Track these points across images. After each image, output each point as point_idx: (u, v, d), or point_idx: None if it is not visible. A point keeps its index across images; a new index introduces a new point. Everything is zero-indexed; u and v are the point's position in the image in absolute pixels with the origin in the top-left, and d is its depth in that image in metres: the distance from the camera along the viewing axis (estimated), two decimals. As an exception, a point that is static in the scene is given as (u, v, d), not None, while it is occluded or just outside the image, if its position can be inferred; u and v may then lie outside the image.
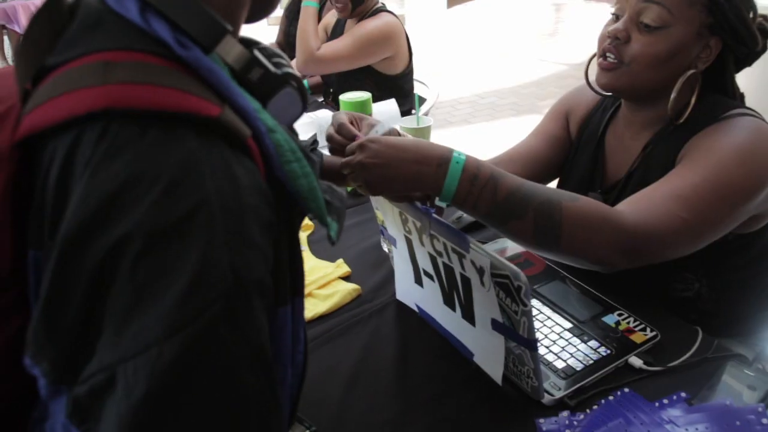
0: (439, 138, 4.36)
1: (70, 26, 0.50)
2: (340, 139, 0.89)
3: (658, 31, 0.97)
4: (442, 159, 0.83)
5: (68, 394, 0.44)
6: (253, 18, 0.63)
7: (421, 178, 0.82)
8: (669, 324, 1.00)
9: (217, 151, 0.46)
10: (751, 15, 0.98)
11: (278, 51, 0.60)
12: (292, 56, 2.76)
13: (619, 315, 1.02)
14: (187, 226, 0.43)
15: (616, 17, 1.03)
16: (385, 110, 1.80)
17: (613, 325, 0.99)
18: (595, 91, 1.11)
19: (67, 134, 0.45)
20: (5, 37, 6.97)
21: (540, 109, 1.25)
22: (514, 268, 0.72)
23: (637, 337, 0.96)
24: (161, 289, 0.42)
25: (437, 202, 0.85)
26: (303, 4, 2.20)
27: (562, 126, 1.26)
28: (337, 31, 2.39)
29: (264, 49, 0.58)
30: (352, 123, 0.93)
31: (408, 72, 2.34)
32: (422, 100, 2.47)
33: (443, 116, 4.73)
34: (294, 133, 0.60)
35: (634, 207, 0.91)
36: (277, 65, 0.57)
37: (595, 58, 1.07)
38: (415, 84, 2.56)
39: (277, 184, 0.52)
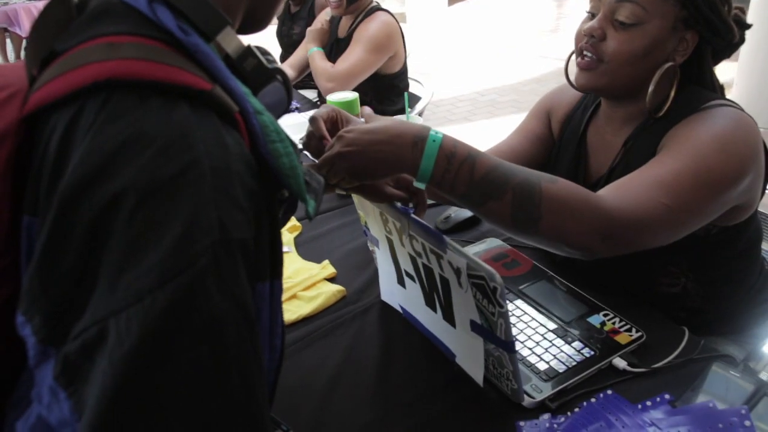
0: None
1: (80, 16, 0.54)
2: (315, 142, 0.88)
3: (633, 28, 0.96)
4: (417, 137, 0.81)
5: (56, 356, 0.45)
6: (242, 31, 0.67)
7: (398, 158, 0.81)
8: (655, 324, 0.99)
9: (209, 120, 0.50)
10: (726, 7, 0.98)
11: (269, 51, 0.65)
12: (286, 58, 2.77)
13: (605, 315, 1.01)
14: (178, 183, 0.46)
15: (591, 15, 1.02)
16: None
17: (598, 326, 0.98)
18: (576, 89, 1.11)
19: (71, 106, 0.48)
20: (7, 40, 7.01)
21: None
22: (489, 269, 0.70)
23: (622, 338, 0.95)
24: (153, 242, 0.44)
25: (415, 183, 0.83)
26: (309, 53, 2.22)
27: (545, 124, 1.25)
28: (331, 29, 2.38)
29: (258, 47, 0.62)
30: (336, 122, 0.92)
31: (403, 71, 2.34)
32: (416, 99, 2.46)
33: (443, 114, 4.71)
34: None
35: (615, 192, 0.89)
36: (268, 61, 0.62)
37: (573, 57, 1.06)
38: (410, 82, 2.55)
39: (261, 162, 0.55)
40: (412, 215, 0.84)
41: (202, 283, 0.44)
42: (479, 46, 6.91)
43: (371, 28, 2.18)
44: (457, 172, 0.81)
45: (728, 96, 1.05)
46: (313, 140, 0.89)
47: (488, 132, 4.32)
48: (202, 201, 0.46)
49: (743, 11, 1.03)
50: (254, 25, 0.68)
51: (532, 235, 0.85)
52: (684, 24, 0.97)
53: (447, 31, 7.70)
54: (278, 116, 0.65)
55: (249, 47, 0.60)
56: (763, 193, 1.05)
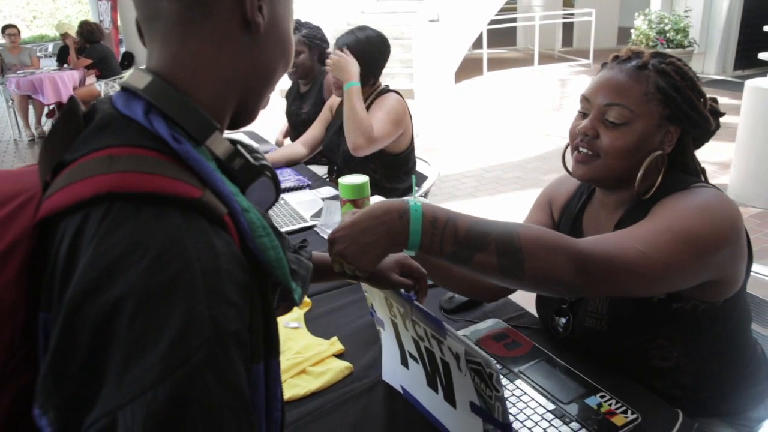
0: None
1: (86, 128, 0.61)
2: None
3: (622, 127, 1.07)
4: (401, 210, 0.89)
5: None
6: (233, 126, 0.74)
7: (391, 233, 0.88)
8: (651, 406, 1.03)
9: (198, 226, 0.56)
10: (702, 101, 1.09)
11: (257, 147, 0.72)
12: (295, 136, 2.86)
13: (602, 397, 1.05)
14: (172, 286, 0.51)
15: (583, 114, 1.13)
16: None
17: (595, 407, 1.02)
18: (572, 175, 1.19)
19: (77, 214, 0.54)
20: (30, 106, 7.28)
21: (543, 183, 1.30)
22: (486, 356, 0.76)
23: (618, 420, 0.99)
24: (153, 341, 0.49)
25: (406, 252, 0.91)
26: (346, 87, 2.18)
27: (548, 214, 1.34)
28: (341, 110, 2.46)
29: (246, 146, 0.70)
30: None
31: (411, 149, 2.43)
32: (423, 178, 2.55)
33: (449, 190, 4.82)
34: (268, 219, 0.70)
35: (593, 239, 0.97)
36: (255, 159, 0.69)
37: (569, 151, 1.16)
38: (417, 161, 2.63)
39: (251, 255, 0.62)
40: (415, 302, 0.90)
41: (199, 375, 0.50)
42: (485, 122, 7.10)
43: (389, 102, 2.26)
44: (443, 234, 0.89)
45: (726, 175, 1.14)
46: None
47: (492, 208, 4.41)
48: (195, 301, 0.51)
49: (716, 101, 1.15)
50: (243, 119, 0.74)
51: (520, 280, 0.91)
52: (668, 120, 1.08)
53: (454, 107, 7.94)
54: (267, 208, 0.72)
55: (236, 148, 0.67)
56: (748, 273, 1.11)
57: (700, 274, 1.00)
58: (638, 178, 1.08)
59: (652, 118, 1.07)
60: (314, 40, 2.75)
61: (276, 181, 0.71)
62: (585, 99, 1.13)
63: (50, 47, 12.61)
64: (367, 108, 2.30)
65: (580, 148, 1.11)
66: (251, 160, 0.67)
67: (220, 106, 0.68)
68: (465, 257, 0.89)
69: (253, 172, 0.67)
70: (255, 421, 0.56)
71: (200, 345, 0.50)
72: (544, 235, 0.91)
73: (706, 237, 0.97)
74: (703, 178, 1.16)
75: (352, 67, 2.19)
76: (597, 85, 1.11)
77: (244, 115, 0.73)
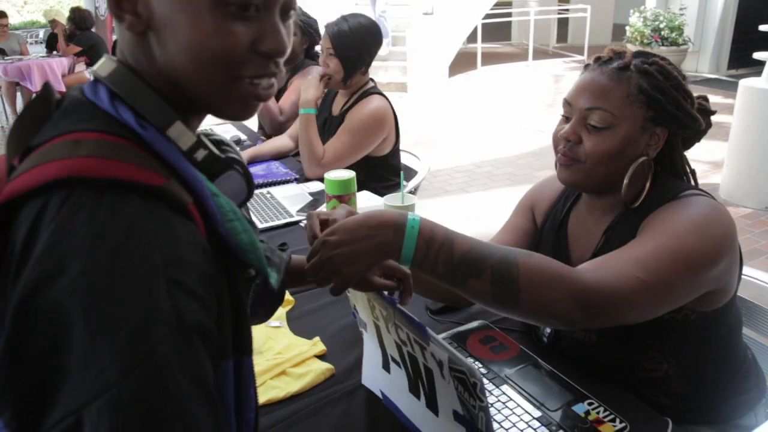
0: (436, 206, 4.44)
1: (55, 114, 0.59)
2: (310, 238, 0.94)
3: (605, 131, 1.03)
4: (397, 225, 0.86)
5: None
6: (213, 113, 0.66)
7: (383, 247, 0.86)
8: (639, 414, 1.01)
9: (161, 214, 0.54)
10: (689, 101, 1.06)
11: (229, 141, 0.69)
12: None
13: (590, 404, 1.02)
14: (133, 276, 0.49)
15: (566, 119, 1.10)
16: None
17: (583, 415, 0.99)
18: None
19: (38, 199, 0.52)
20: (18, 93, 7.19)
21: (535, 179, 1.27)
22: (470, 365, 0.73)
23: (606, 429, 0.96)
24: (113, 332, 0.47)
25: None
26: (300, 112, 2.18)
27: (529, 219, 1.31)
28: (325, 104, 2.39)
29: (215, 140, 0.67)
30: (327, 222, 0.95)
31: (395, 150, 2.36)
32: (413, 173, 2.52)
33: (440, 185, 4.78)
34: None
35: (592, 266, 0.94)
36: (223, 151, 0.65)
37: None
38: (407, 157, 2.58)
39: (220, 242, 0.59)
40: (398, 305, 0.86)
41: (165, 369, 0.47)
42: (477, 118, 7.07)
43: (361, 115, 2.18)
44: (437, 254, 0.86)
45: (719, 175, 1.11)
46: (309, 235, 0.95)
47: (484, 204, 4.38)
48: (156, 292, 0.49)
49: (706, 99, 1.11)
50: (218, 113, 0.66)
51: (513, 309, 0.88)
52: (652, 122, 1.05)
53: (447, 102, 7.90)
54: (240, 205, 0.67)
55: (198, 139, 0.62)
56: (739, 279, 1.09)
57: (698, 291, 0.98)
58: (624, 185, 1.05)
59: (636, 121, 1.03)
60: (309, 28, 2.72)
61: (248, 177, 0.67)
62: (567, 103, 1.10)
63: (41, 33, 12.44)
64: (349, 107, 2.24)
65: (563, 154, 1.08)
66: (216, 152, 0.64)
67: (170, 97, 0.64)
68: (458, 281, 0.87)
69: (218, 166, 0.64)
70: (222, 418, 0.54)
71: (163, 337, 0.48)
72: (545, 266, 0.88)
73: (705, 256, 0.95)
74: (692, 181, 1.13)
75: (314, 91, 2.17)
76: (578, 89, 1.08)
77: (206, 104, 0.65)
